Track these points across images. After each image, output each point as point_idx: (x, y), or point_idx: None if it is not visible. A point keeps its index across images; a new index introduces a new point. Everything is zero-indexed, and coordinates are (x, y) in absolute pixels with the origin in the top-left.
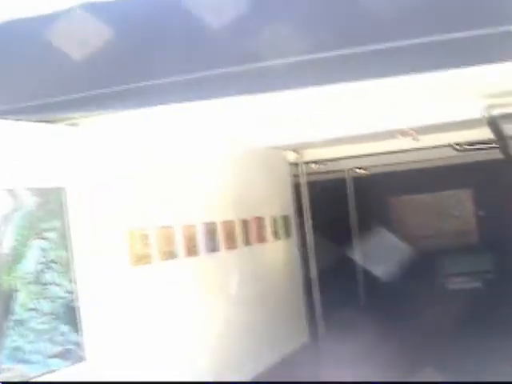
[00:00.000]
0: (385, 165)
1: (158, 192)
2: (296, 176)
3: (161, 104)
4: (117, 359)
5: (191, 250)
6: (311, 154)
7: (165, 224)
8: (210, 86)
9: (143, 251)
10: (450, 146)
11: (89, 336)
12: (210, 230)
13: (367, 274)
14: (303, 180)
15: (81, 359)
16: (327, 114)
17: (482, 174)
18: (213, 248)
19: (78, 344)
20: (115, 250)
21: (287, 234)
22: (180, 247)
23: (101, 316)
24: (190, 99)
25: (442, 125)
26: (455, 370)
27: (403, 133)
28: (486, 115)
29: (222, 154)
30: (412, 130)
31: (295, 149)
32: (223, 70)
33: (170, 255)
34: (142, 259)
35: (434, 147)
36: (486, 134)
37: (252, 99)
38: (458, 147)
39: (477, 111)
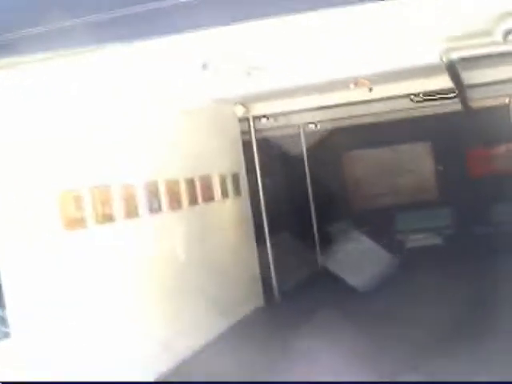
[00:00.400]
0: (339, 119)
1: (92, 150)
2: (246, 133)
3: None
4: (47, 335)
5: (131, 212)
6: (261, 108)
7: (100, 184)
8: (134, 24)
9: (76, 214)
10: (406, 96)
11: (13, 310)
12: (152, 190)
13: (323, 233)
14: (254, 136)
15: (5, 336)
16: (275, 62)
17: (441, 126)
18: (155, 209)
19: (0, 319)
20: (42, 213)
21: (237, 192)
22: (118, 209)
23: (27, 288)
24: (111, 39)
25: (398, 72)
26: (421, 334)
27: (357, 82)
28: (445, 60)
29: (163, 108)
30: (366, 79)
31: (244, 102)
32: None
33: (107, 218)
34: (75, 223)
35: (389, 98)
36: (444, 83)
37: (193, 41)
38: (414, 98)
39: (435, 56)
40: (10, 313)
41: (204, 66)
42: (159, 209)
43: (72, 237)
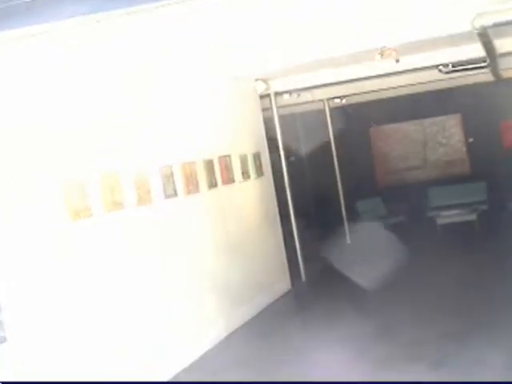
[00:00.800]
0: (365, 92)
1: (98, 133)
2: (268, 110)
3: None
4: (49, 338)
5: (143, 198)
6: (283, 84)
7: (108, 170)
8: None
9: (81, 203)
10: (435, 67)
11: (10, 312)
12: (166, 174)
13: (351, 212)
14: (276, 113)
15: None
16: (296, 33)
17: (471, 98)
18: (170, 194)
19: None
20: (43, 204)
21: (259, 172)
22: (129, 195)
23: (25, 286)
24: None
25: (426, 42)
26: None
27: (383, 53)
28: (477, 26)
29: (177, 85)
30: (392, 49)
31: (264, 78)
32: None
33: (116, 205)
34: (80, 212)
35: (417, 69)
36: (474, 52)
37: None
38: (443, 69)
39: (466, 22)
40: (5, 315)
41: (219, 38)
42: (174, 193)
43: (74, 226)
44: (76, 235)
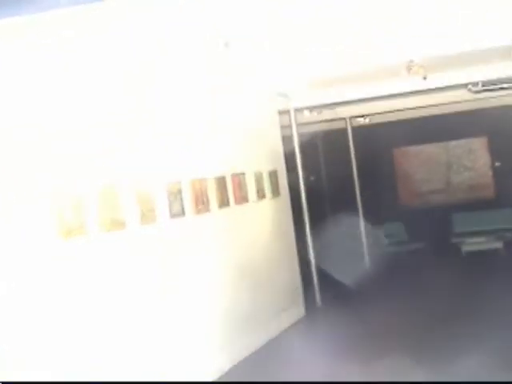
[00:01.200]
0: (390, 112)
1: (96, 143)
2: (287, 127)
3: None
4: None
5: (146, 216)
6: (303, 100)
7: (106, 185)
8: None
9: (74, 220)
10: (463, 86)
11: None
12: (173, 191)
13: (372, 237)
14: (295, 130)
15: None
16: (320, 47)
17: (499, 120)
18: (177, 212)
19: None
20: (30, 219)
21: (275, 192)
22: (130, 213)
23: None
24: None
25: (456, 57)
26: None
27: (409, 68)
28: None
29: (190, 94)
30: (420, 64)
31: (284, 93)
32: None
33: (115, 224)
34: (72, 230)
35: (444, 88)
36: (506, 70)
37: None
38: (473, 88)
39: (502, 34)
40: None
41: (226, 44)
42: (181, 212)
43: (65, 246)
44: (67, 255)
